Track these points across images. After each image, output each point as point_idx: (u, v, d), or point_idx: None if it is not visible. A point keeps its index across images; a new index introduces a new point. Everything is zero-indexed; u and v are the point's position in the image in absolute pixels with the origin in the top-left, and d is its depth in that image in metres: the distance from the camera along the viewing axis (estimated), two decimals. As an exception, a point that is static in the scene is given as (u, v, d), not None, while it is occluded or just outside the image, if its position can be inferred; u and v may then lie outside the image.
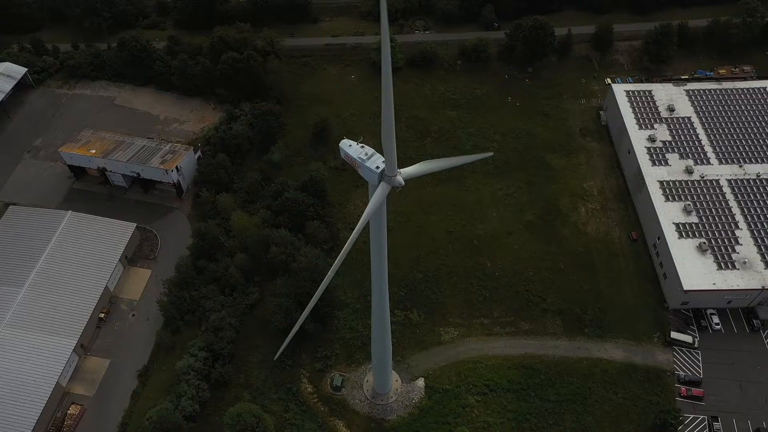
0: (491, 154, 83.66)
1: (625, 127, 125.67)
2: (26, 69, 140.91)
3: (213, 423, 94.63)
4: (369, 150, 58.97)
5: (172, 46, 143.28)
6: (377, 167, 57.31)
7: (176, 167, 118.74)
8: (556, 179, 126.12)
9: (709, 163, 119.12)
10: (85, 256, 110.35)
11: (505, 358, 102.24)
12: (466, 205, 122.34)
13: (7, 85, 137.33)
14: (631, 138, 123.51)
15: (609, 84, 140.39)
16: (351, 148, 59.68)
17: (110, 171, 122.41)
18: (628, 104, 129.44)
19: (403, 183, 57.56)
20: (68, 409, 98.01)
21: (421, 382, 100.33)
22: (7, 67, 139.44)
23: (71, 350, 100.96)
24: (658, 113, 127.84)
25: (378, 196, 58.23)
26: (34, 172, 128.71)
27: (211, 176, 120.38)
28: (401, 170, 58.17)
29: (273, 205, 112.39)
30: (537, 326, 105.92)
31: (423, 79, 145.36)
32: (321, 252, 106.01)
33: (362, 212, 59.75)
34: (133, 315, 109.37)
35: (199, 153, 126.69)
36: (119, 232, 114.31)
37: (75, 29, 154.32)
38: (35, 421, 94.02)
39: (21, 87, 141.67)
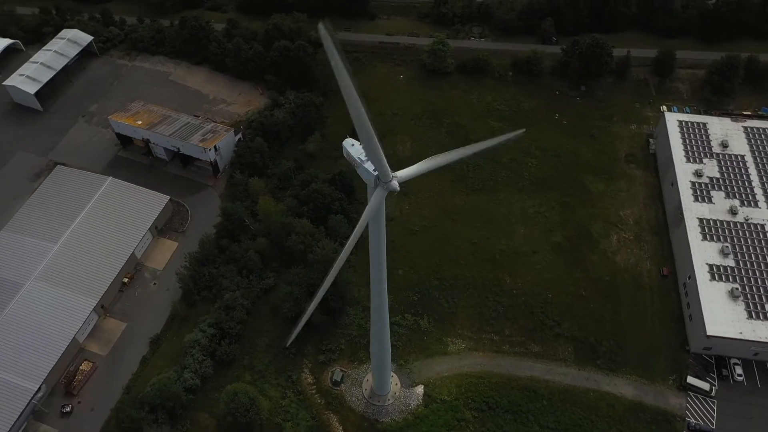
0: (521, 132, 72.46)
1: (671, 157, 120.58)
2: (92, 38, 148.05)
3: (211, 398, 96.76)
4: None
5: (230, 29, 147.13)
6: (374, 170, 57.08)
7: (214, 147, 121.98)
8: (592, 203, 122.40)
9: (756, 206, 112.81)
10: (118, 222, 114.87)
11: (509, 378, 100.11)
12: (495, 218, 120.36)
13: (73, 51, 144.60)
14: (676, 170, 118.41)
15: (663, 111, 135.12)
16: (353, 147, 59.73)
17: (153, 143, 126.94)
18: (679, 134, 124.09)
19: (398, 188, 57.14)
20: (81, 365, 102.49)
21: (420, 389, 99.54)
22: (75, 34, 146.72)
23: (91, 309, 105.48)
24: (710, 147, 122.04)
25: (374, 201, 58.16)
26: (85, 137, 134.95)
27: (248, 159, 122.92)
28: (397, 173, 57.79)
29: (299, 195, 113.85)
30: (547, 350, 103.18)
31: (471, 87, 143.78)
32: (338, 246, 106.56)
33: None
34: (155, 284, 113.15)
35: (240, 135, 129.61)
36: (153, 203, 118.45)
37: (143, 4, 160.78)
38: (49, 370, 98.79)
39: (86, 54, 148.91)
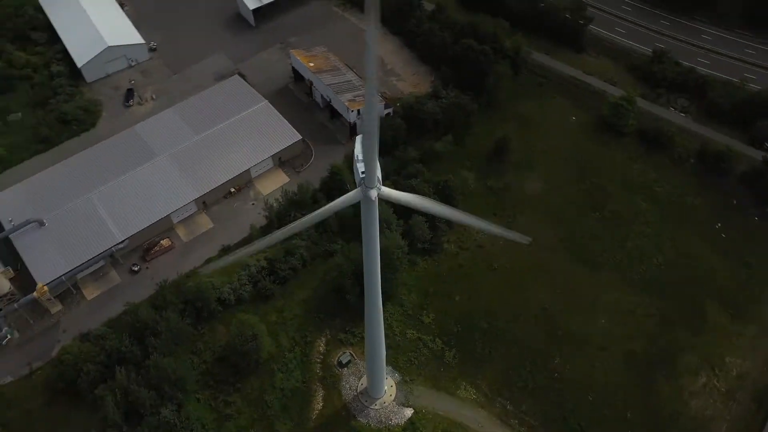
0: (526, 240, 69.10)
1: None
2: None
3: (232, 320, 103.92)
4: None
5: (435, 12, 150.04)
6: (363, 172, 56.51)
7: (357, 110, 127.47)
8: (699, 331, 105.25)
9: None
10: (251, 139, 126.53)
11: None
12: (583, 295, 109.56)
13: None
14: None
15: None
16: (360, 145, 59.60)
17: (314, 87, 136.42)
18: None
19: (373, 199, 56.01)
20: (163, 240, 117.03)
21: (409, 412, 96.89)
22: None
23: (193, 200, 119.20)
24: None
25: (348, 196, 57.80)
26: (272, 60, 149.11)
27: (382, 133, 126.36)
28: (382, 188, 56.53)
29: (400, 183, 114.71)
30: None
31: (640, 156, 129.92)
32: (405, 244, 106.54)
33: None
34: (253, 204, 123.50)
35: (390, 110, 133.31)
36: (287, 136, 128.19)
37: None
38: (137, 231, 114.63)
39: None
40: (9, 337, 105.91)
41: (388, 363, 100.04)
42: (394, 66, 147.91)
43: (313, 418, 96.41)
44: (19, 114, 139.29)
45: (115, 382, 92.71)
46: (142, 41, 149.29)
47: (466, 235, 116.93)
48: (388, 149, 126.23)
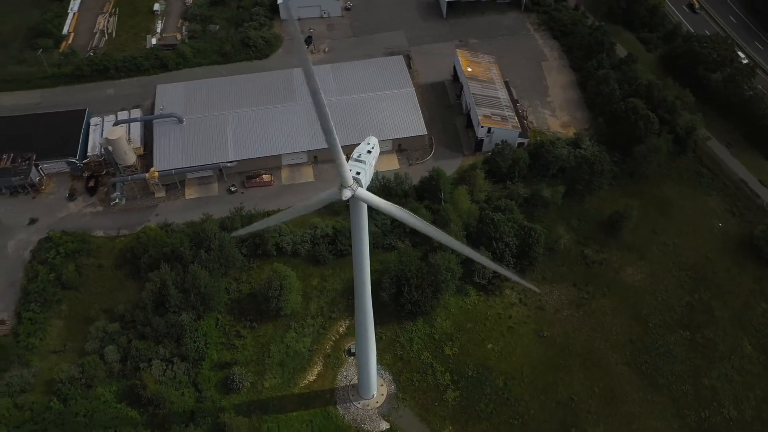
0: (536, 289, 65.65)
1: None
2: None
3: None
4: (369, 158, 57.58)
5: (624, 61, 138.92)
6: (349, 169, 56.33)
7: (489, 128, 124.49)
8: None
9: None
10: (382, 118, 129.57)
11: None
12: (621, 408, 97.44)
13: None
14: None
15: None
16: (366, 144, 59.10)
17: (463, 91, 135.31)
18: None
19: (343, 199, 55.66)
20: (265, 174, 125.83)
21: (384, 425, 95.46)
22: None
23: (306, 150, 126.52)
24: None
25: (325, 194, 58.66)
26: (442, 53, 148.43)
27: (496, 160, 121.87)
28: (359, 191, 55.79)
29: (485, 209, 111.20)
30: None
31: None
32: (460, 270, 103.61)
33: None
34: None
35: (524, 141, 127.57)
36: (414, 128, 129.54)
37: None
38: (251, 158, 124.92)
39: (514, 3, 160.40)
40: (117, 201, 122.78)
41: (390, 372, 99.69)
42: (554, 100, 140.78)
43: (300, 385, 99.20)
44: (217, 26, 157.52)
45: (159, 274, 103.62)
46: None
47: (533, 292, 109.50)
48: (501, 178, 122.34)
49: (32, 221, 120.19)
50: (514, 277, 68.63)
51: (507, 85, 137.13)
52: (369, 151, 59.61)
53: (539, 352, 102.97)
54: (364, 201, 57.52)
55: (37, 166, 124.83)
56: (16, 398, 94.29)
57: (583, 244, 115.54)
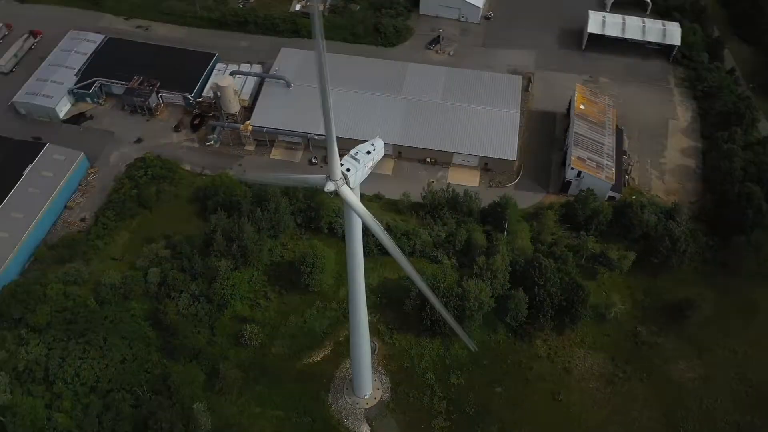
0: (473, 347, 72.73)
1: None
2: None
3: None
4: (366, 158, 56.65)
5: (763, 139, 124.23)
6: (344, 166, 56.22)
7: (579, 172, 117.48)
8: None
9: None
10: (478, 132, 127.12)
11: None
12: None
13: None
14: None
15: None
16: (370, 145, 58.45)
17: (570, 127, 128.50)
18: None
19: (327, 191, 55.53)
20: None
21: (366, 429, 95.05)
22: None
23: (394, 144, 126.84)
24: None
25: (312, 177, 58.39)
26: (566, 84, 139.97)
27: (578, 208, 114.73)
28: (345, 188, 55.38)
29: (539, 247, 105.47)
30: None
31: None
32: (492, 303, 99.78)
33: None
34: (432, 181, 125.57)
35: (616, 196, 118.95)
36: (506, 151, 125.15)
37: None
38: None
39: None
40: (212, 143, 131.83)
41: (391, 380, 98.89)
42: (667, 163, 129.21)
43: (302, 362, 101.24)
44: (358, 6, 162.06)
45: (215, 218, 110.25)
46: (480, 5, 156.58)
47: (566, 351, 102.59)
48: (576, 227, 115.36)
49: (138, 140, 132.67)
50: (456, 327, 65.03)
51: (620, 133, 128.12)
52: (369, 152, 58.72)
53: (548, 414, 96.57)
54: (345, 199, 57.02)
55: (158, 93, 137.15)
56: (67, 287, 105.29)
57: (639, 320, 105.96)
